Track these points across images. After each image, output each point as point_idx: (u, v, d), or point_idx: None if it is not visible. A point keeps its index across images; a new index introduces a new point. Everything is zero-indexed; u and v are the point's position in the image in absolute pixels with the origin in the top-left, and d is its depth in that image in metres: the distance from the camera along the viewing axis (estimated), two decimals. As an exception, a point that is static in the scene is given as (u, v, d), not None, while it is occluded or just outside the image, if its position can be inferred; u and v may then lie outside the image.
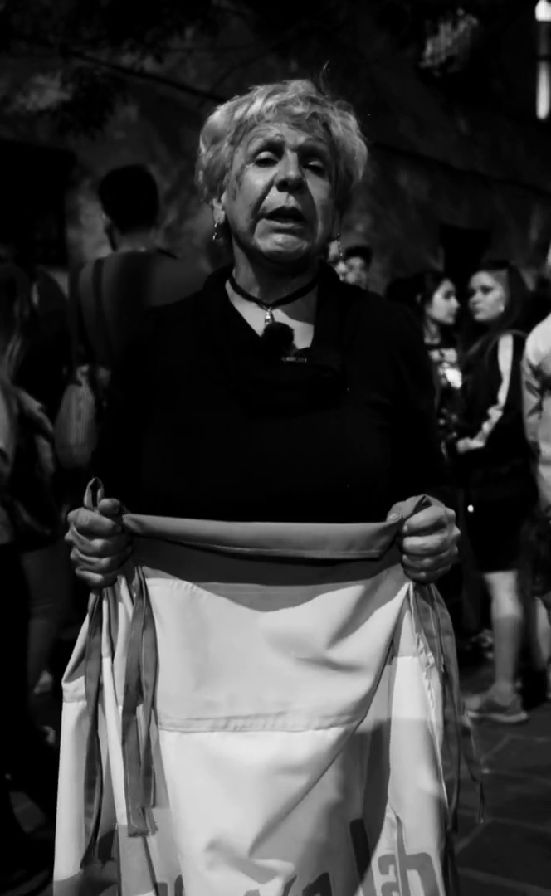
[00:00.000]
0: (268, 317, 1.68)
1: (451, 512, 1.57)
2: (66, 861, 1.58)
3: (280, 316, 1.69)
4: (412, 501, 1.52)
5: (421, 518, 1.51)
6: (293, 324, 1.68)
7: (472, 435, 4.62)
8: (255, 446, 1.58)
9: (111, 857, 1.59)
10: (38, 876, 3.10)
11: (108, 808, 1.56)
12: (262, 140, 1.62)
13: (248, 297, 1.71)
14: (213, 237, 1.76)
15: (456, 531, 1.56)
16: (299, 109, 1.61)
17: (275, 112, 1.61)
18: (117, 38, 8.03)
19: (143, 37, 8.04)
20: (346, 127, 1.68)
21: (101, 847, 1.57)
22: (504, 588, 4.52)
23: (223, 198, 1.71)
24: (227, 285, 1.76)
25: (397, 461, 1.61)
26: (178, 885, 1.54)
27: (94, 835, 1.55)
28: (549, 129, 16.81)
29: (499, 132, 15.53)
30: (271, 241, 1.62)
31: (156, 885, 1.53)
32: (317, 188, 1.63)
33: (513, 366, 4.49)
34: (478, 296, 4.81)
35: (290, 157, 1.61)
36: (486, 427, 4.56)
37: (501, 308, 4.72)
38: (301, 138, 1.61)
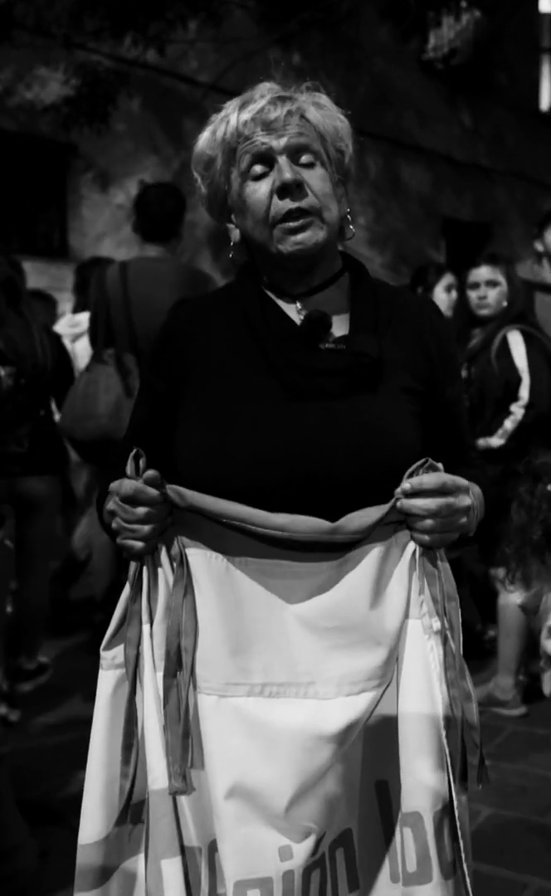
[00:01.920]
0: (299, 306, 1.72)
1: (463, 482, 1.59)
2: (93, 826, 1.61)
3: (311, 305, 1.73)
4: (416, 465, 1.56)
5: (423, 479, 1.55)
6: (325, 311, 1.72)
7: (483, 431, 4.54)
8: (295, 430, 1.62)
9: (141, 820, 1.62)
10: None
11: (140, 773, 1.60)
12: (250, 156, 1.66)
13: (278, 291, 1.75)
14: (229, 255, 1.80)
15: (467, 500, 1.59)
16: (273, 114, 1.65)
17: (251, 124, 1.65)
18: (120, 30, 8.02)
19: (146, 29, 8.03)
20: (321, 107, 1.71)
21: (133, 811, 1.61)
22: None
23: (233, 218, 1.75)
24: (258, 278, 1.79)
25: (428, 447, 1.64)
26: (211, 848, 1.58)
27: (129, 796, 1.58)
28: (551, 121, 16.79)
29: (502, 125, 15.51)
30: (289, 242, 1.66)
31: (183, 850, 1.56)
32: (315, 180, 1.67)
33: (530, 361, 4.46)
34: (483, 290, 4.69)
35: (281, 161, 1.65)
36: (509, 425, 4.49)
37: (505, 303, 4.67)
38: (283, 140, 1.65)
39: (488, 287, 4.66)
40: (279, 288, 1.75)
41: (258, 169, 1.66)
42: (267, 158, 1.66)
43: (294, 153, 1.66)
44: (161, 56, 8.66)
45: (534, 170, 16.37)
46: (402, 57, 12.13)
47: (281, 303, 1.74)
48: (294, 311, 1.73)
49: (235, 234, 1.76)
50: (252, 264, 1.80)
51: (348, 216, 1.76)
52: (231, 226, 1.76)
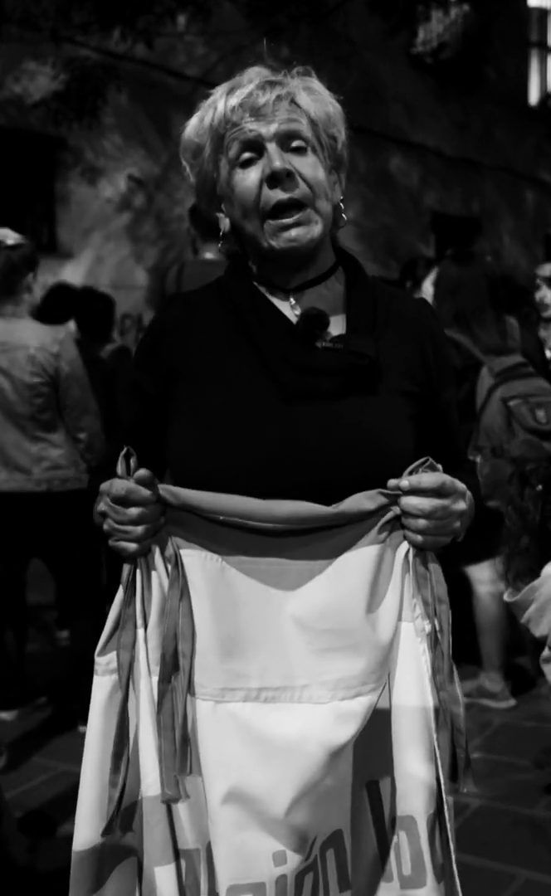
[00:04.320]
0: (293, 302, 1.69)
1: (461, 485, 1.58)
2: (86, 832, 1.59)
3: (304, 301, 1.69)
4: (416, 463, 1.56)
5: (421, 479, 1.54)
6: (320, 308, 1.68)
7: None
8: (290, 430, 1.59)
9: (132, 828, 1.61)
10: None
11: (132, 779, 1.58)
12: (239, 143, 1.61)
13: (271, 285, 1.71)
14: (218, 247, 1.77)
15: (462, 505, 1.58)
16: (262, 99, 1.60)
17: (239, 111, 1.60)
18: (108, 24, 8.00)
19: (135, 23, 8.00)
20: (312, 91, 1.66)
21: (123, 818, 1.59)
22: (482, 581, 4.45)
23: (223, 206, 1.70)
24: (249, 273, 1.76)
25: (421, 450, 1.62)
26: (209, 850, 1.56)
27: (118, 805, 1.56)
28: (540, 116, 16.79)
29: (491, 119, 15.52)
30: (282, 239, 1.61)
31: (179, 855, 1.56)
32: (307, 167, 1.62)
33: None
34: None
35: (270, 148, 1.60)
36: None
37: None
38: (273, 126, 1.60)
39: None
40: (271, 282, 1.71)
41: (246, 156, 1.61)
42: (256, 145, 1.60)
43: (284, 140, 1.61)
44: (149, 50, 8.63)
45: (523, 164, 16.39)
46: (391, 51, 12.12)
47: (273, 299, 1.70)
48: (287, 308, 1.69)
49: (225, 224, 1.71)
50: (243, 257, 1.76)
51: (341, 204, 1.71)
52: (221, 215, 1.72)
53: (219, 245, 1.76)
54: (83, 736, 1.61)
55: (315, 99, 1.65)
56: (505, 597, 2.28)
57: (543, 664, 2.18)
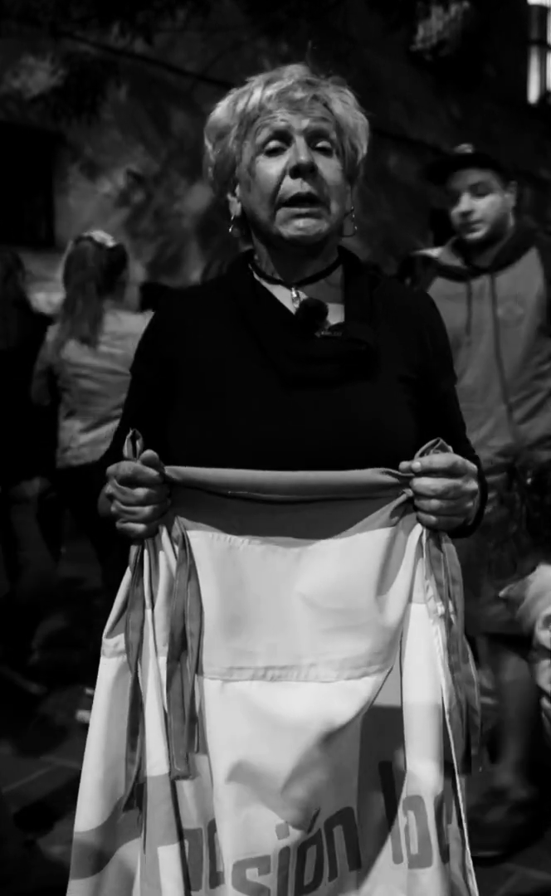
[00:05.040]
0: (295, 295, 1.72)
1: (472, 466, 1.60)
2: (90, 813, 1.61)
3: (306, 294, 1.72)
4: (428, 444, 1.57)
5: (432, 460, 1.55)
6: (320, 300, 1.71)
7: None
8: (291, 417, 1.62)
9: (139, 807, 1.62)
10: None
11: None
12: (269, 130, 1.65)
13: (272, 280, 1.75)
14: (229, 230, 1.79)
15: (474, 484, 1.60)
16: (299, 95, 1.65)
17: (275, 100, 1.65)
18: (107, 19, 7.98)
19: (134, 18, 7.99)
20: (345, 103, 1.71)
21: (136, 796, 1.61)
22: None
23: (237, 191, 1.74)
24: (250, 268, 1.79)
25: (423, 438, 1.63)
26: (211, 828, 1.58)
27: (134, 780, 1.58)
28: (539, 114, 16.78)
29: (490, 116, 15.50)
30: (292, 226, 1.65)
31: (182, 834, 1.57)
32: (328, 169, 1.66)
33: None
34: None
35: (298, 142, 1.64)
36: None
37: None
38: (305, 122, 1.65)
39: None
40: (273, 276, 1.74)
41: (273, 144, 1.65)
42: (285, 136, 1.65)
43: (312, 137, 1.66)
44: (149, 45, 8.61)
45: (522, 161, 16.36)
46: (390, 48, 12.13)
47: (275, 291, 1.73)
48: (288, 300, 1.72)
49: (236, 208, 1.75)
50: (247, 255, 1.80)
51: (351, 214, 1.76)
52: (233, 199, 1.75)
53: (231, 229, 1.79)
54: (81, 730, 1.62)
55: (346, 109, 1.71)
56: (501, 593, 2.28)
57: (529, 663, 2.19)
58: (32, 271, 4.70)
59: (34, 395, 4.43)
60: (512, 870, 3.05)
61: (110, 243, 4.32)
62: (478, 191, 3.39)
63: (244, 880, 1.52)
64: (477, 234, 3.38)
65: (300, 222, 1.65)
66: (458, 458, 1.56)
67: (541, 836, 3.24)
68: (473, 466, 1.60)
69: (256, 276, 1.77)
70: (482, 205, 3.37)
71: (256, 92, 1.67)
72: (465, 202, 3.38)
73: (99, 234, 4.39)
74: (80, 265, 4.24)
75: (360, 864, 1.63)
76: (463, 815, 1.60)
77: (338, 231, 1.74)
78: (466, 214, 3.38)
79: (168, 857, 1.55)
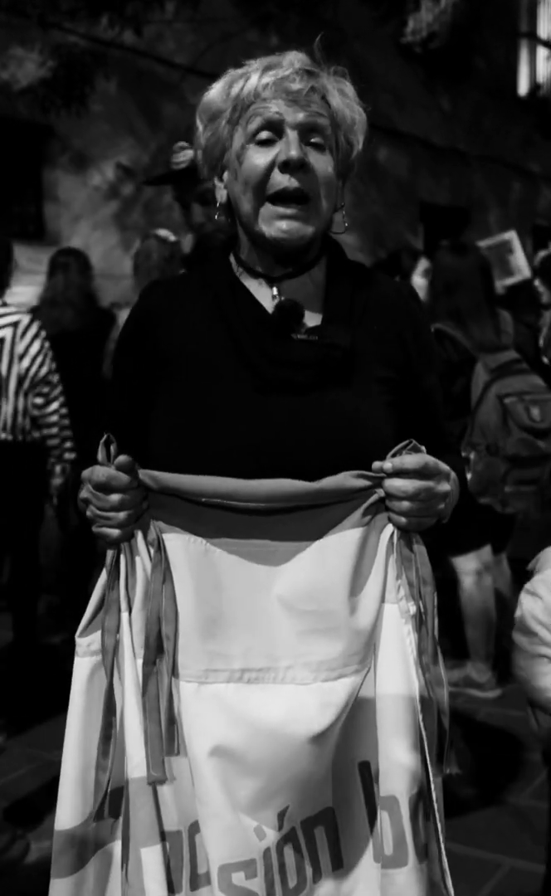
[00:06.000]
0: (275, 292, 1.68)
1: (445, 467, 1.59)
2: (70, 812, 1.61)
3: (286, 291, 1.69)
4: (399, 445, 1.56)
5: (404, 461, 1.54)
6: (300, 298, 1.68)
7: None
8: (266, 422, 1.60)
9: (120, 811, 1.62)
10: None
11: (118, 762, 1.59)
12: (261, 119, 1.59)
13: (253, 273, 1.71)
14: (216, 216, 1.74)
15: (446, 486, 1.59)
16: (297, 86, 1.59)
17: (271, 89, 1.58)
18: (96, 10, 7.95)
19: (123, 9, 7.96)
20: (344, 95, 1.65)
21: (110, 801, 1.60)
22: (467, 572, 4.45)
23: (225, 176, 1.69)
24: (232, 259, 1.75)
25: (405, 435, 1.62)
26: (192, 829, 1.58)
27: (105, 790, 1.57)
28: (529, 107, 16.77)
29: (480, 109, 15.49)
30: (275, 227, 1.61)
31: (164, 837, 1.57)
32: (320, 164, 1.61)
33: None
34: None
35: (291, 135, 1.59)
36: None
37: None
38: (300, 115, 1.59)
39: None
40: (254, 268, 1.70)
41: (264, 135, 1.60)
42: (277, 127, 1.59)
43: (306, 131, 1.60)
44: (138, 37, 8.58)
45: (512, 154, 16.37)
46: (380, 40, 12.08)
47: (254, 287, 1.69)
48: (268, 297, 1.68)
49: (221, 195, 1.70)
50: (227, 247, 1.76)
51: (342, 209, 1.72)
52: (219, 184, 1.70)
53: (218, 216, 1.74)
54: None
55: (345, 103, 1.65)
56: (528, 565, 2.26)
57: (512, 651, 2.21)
58: (22, 264, 4.67)
59: (107, 372, 4.69)
60: (500, 861, 3.06)
61: (172, 238, 4.96)
62: None
63: (230, 884, 1.52)
64: None
65: (283, 224, 1.60)
66: (430, 459, 1.55)
67: (531, 827, 3.26)
68: (446, 467, 1.59)
69: (237, 267, 1.72)
70: None
71: (253, 77, 1.60)
72: None
73: (162, 232, 5.17)
74: (146, 257, 5.02)
75: (343, 864, 1.63)
76: (439, 815, 1.60)
77: (326, 228, 1.70)
78: None
79: (151, 859, 1.55)
